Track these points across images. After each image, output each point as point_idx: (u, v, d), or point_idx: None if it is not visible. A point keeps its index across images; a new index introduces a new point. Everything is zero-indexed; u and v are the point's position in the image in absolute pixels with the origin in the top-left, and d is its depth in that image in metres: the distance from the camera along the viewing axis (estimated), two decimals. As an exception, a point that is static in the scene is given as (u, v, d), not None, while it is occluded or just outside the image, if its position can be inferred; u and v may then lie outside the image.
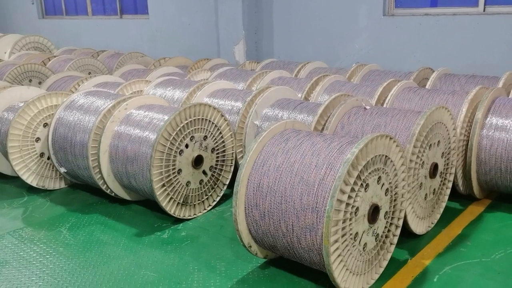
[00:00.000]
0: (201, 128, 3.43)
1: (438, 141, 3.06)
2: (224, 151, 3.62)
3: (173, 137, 3.24)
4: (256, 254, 2.72)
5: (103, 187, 3.58)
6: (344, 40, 6.31)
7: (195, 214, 3.48)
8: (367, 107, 3.36)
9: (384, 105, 3.83)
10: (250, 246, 2.68)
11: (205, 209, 3.55)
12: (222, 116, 3.58)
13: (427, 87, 4.40)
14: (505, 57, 4.84)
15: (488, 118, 3.28)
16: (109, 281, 2.66)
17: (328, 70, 5.35)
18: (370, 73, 5.02)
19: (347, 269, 2.39)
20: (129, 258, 2.90)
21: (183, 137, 3.31)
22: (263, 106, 3.83)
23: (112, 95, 3.94)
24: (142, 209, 3.60)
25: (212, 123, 3.51)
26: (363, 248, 2.49)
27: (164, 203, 3.26)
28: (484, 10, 5.17)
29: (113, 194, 3.61)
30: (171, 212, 3.31)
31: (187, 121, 3.31)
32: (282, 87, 4.07)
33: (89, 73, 6.30)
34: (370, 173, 2.44)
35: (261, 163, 2.64)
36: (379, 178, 2.52)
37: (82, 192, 3.96)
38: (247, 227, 2.65)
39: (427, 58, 5.26)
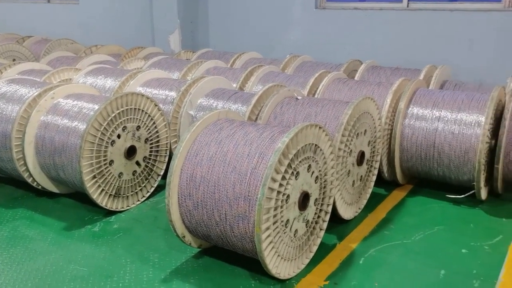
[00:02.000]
0: (134, 118, 3.36)
1: (365, 130, 3.22)
2: (158, 141, 3.58)
3: (104, 127, 3.15)
4: (190, 244, 2.73)
5: (29, 180, 3.41)
6: (278, 31, 6.40)
7: (128, 206, 3.41)
8: (299, 98, 3.45)
9: (316, 96, 3.94)
10: (184, 236, 2.68)
11: (138, 200, 3.49)
12: (156, 106, 3.52)
13: (355, 78, 4.58)
14: (426, 51, 5.14)
15: (410, 108, 3.49)
16: (35, 278, 2.55)
17: (263, 60, 5.41)
18: (303, 64, 5.14)
19: (278, 255, 2.47)
20: (57, 253, 2.80)
21: (115, 128, 3.23)
22: (198, 96, 3.81)
23: (38, 83, 3.74)
24: (72, 202, 3.48)
25: (146, 113, 3.44)
26: (294, 234, 2.57)
27: (95, 195, 3.17)
28: (407, 6, 5.46)
29: (40, 187, 3.45)
30: (103, 204, 3.23)
31: (119, 111, 3.23)
32: (217, 77, 4.07)
33: (14, 60, 5.93)
34: (300, 161, 2.52)
35: (195, 153, 2.64)
36: (309, 166, 2.61)
37: (6, 186, 3.75)
38: (180, 217, 2.65)
39: (357, 50, 5.48)
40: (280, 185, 2.39)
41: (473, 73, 4.69)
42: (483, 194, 3.32)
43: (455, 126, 3.27)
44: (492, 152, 3.26)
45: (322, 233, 2.83)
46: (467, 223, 3.12)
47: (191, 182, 2.59)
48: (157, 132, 3.56)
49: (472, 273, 2.56)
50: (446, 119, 3.32)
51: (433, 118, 3.37)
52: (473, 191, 3.27)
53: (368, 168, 3.37)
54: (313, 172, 2.65)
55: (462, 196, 3.33)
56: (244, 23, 6.67)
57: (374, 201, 3.44)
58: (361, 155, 3.21)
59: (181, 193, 2.61)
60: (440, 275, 2.56)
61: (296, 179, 2.50)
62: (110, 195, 3.27)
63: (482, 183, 3.24)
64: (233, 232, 2.48)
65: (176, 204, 2.62)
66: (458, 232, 3.01)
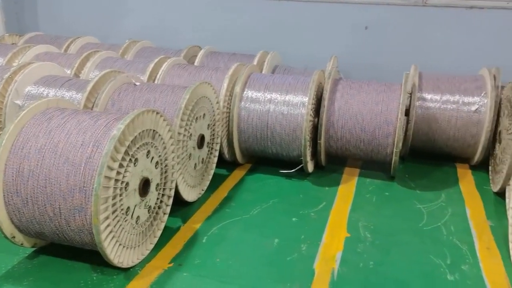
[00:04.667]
0: None
1: (204, 114, 3.33)
2: (-23, 135, 3.19)
3: None
4: (22, 244, 2.53)
5: None
6: (117, 15, 6.15)
7: None
8: (137, 84, 3.41)
9: (156, 81, 3.93)
10: (14, 237, 2.47)
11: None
12: (-28, 95, 3.13)
13: (195, 64, 4.67)
14: (261, 37, 5.47)
15: (245, 92, 3.70)
16: None
17: (100, 46, 5.16)
18: (143, 49, 5.05)
19: (120, 244, 2.44)
20: None
21: None
22: (25, 84, 3.49)
23: None
24: None
25: (-41, 104, 3.04)
26: (136, 221, 2.56)
27: None
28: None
29: None
30: None
31: None
32: (47, 63, 3.76)
33: None
34: (138, 148, 2.51)
35: (21, 146, 2.44)
36: (148, 152, 2.61)
37: None
38: (8, 216, 2.43)
39: (196, 37, 5.57)
40: (118, 173, 2.35)
41: (300, 59, 5.16)
42: (310, 167, 3.72)
43: (284, 107, 3.58)
44: (316, 129, 3.66)
45: (166, 217, 2.87)
46: (297, 194, 3.47)
47: (18, 177, 2.39)
48: (-25, 125, 3.17)
49: (300, 238, 2.87)
50: (277, 101, 3.62)
51: (265, 100, 3.64)
52: (301, 165, 3.64)
53: (209, 151, 3.51)
54: (152, 158, 2.66)
55: (293, 170, 3.69)
56: (79, 4, 6.24)
57: (216, 182, 3.59)
58: (201, 138, 3.31)
59: (7, 190, 2.39)
60: (274, 243, 2.81)
61: (135, 166, 2.49)
62: None
63: (308, 158, 3.62)
64: (70, 226, 2.37)
65: (2, 203, 2.39)
66: (290, 203, 3.33)
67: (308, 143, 3.53)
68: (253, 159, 4.04)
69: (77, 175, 2.34)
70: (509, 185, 3.24)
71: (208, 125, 3.43)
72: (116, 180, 2.35)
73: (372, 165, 3.96)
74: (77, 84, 3.56)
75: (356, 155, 3.73)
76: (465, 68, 4.42)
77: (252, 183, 3.62)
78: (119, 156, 2.36)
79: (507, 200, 3.23)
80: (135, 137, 2.48)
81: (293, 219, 3.11)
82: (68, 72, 4.13)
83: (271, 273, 2.53)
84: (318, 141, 3.62)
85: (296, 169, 3.67)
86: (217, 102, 3.52)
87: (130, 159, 2.44)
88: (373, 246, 2.82)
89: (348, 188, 3.60)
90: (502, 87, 3.86)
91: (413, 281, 2.50)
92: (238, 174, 3.77)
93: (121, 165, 2.37)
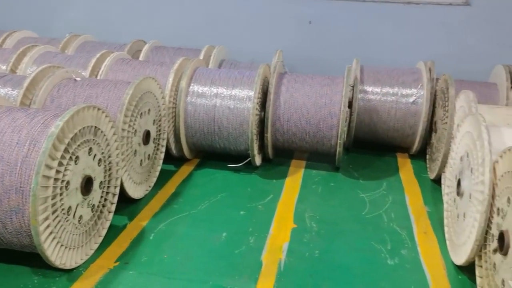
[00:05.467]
0: None
1: (149, 110, 3.27)
2: None
3: None
4: (-45, 249, 2.40)
5: None
6: (57, 8, 5.91)
7: None
8: (78, 79, 3.30)
9: (98, 77, 3.82)
10: None
11: None
12: None
13: (140, 58, 4.58)
14: (208, 32, 5.45)
15: (191, 87, 3.68)
16: None
17: (39, 40, 4.94)
18: (85, 44, 4.89)
19: (62, 245, 2.37)
20: None
21: None
22: (-45, 81, 3.28)
23: None
24: None
25: None
26: (79, 221, 2.49)
27: None
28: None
29: None
30: None
31: None
32: (-21, 58, 3.57)
33: None
34: (79, 145, 2.44)
35: (-50, 146, 2.30)
36: (90, 149, 2.54)
37: None
38: None
39: (141, 31, 5.44)
40: (57, 171, 2.28)
41: (246, 53, 5.18)
42: (257, 160, 3.76)
43: (230, 101, 3.59)
44: (262, 123, 3.70)
45: (111, 215, 2.81)
46: (245, 188, 3.49)
47: None
48: None
49: (248, 231, 2.90)
50: (223, 95, 3.62)
51: (212, 95, 3.63)
52: (249, 159, 3.67)
53: (155, 147, 3.46)
54: (95, 155, 2.60)
55: (241, 164, 3.71)
56: (15, -3, 5.95)
57: (164, 178, 3.55)
58: (147, 134, 3.26)
59: None
60: (222, 237, 2.83)
61: (76, 164, 2.42)
62: None
63: (256, 151, 3.66)
64: (7, 229, 2.27)
65: None
66: (238, 196, 3.35)
67: (255, 137, 3.56)
68: (201, 154, 4.02)
69: (13, 175, 2.24)
70: (444, 172, 3.42)
71: (154, 120, 3.38)
72: (56, 179, 2.27)
73: (318, 156, 4.06)
74: (13, 80, 3.39)
75: (302, 147, 3.80)
76: (403, 61, 4.62)
77: (200, 178, 3.61)
78: (58, 154, 2.28)
79: (442, 186, 3.42)
80: (75, 134, 2.41)
81: (241, 212, 3.13)
82: (4, 68, 3.94)
83: (219, 266, 2.55)
84: (265, 135, 3.66)
85: (244, 163, 3.70)
86: (163, 97, 3.48)
87: (71, 157, 2.37)
88: (318, 235, 2.90)
89: (294, 180, 3.67)
90: (437, 79, 4.06)
91: (356, 267, 2.59)
92: (186, 169, 3.75)
93: (60, 164, 2.30)
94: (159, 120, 3.47)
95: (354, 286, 2.44)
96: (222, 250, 2.70)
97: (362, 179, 3.73)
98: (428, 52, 4.72)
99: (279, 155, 4.04)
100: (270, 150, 3.79)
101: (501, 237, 2.15)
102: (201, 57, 4.40)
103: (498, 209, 2.27)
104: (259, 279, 2.45)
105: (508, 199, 2.17)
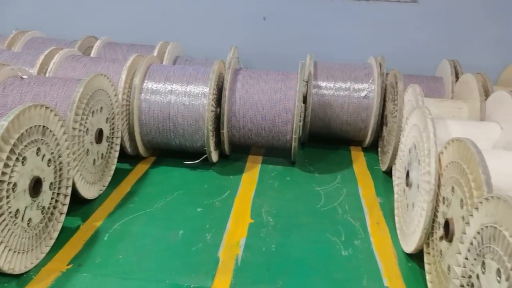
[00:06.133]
0: None
1: (101, 108, 3.20)
2: None
3: None
4: None
5: None
6: (1, 3, 5.64)
7: None
8: (25, 77, 3.18)
9: (47, 75, 3.69)
10: None
11: None
12: None
13: (91, 55, 4.46)
14: (162, 28, 5.36)
15: (145, 84, 3.62)
16: None
17: (-18, 36, 4.72)
18: (32, 40, 4.71)
19: (10, 250, 2.28)
20: None
21: None
22: None
23: None
24: None
25: None
26: (28, 224, 2.41)
27: None
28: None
29: None
30: None
31: None
32: None
33: None
34: (26, 145, 2.36)
35: None
36: (39, 149, 2.46)
37: None
38: None
39: (93, 27, 5.29)
40: (3, 173, 2.20)
41: (202, 49, 5.15)
42: (214, 157, 3.76)
43: (185, 98, 3.56)
44: (218, 119, 3.70)
45: (63, 217, 2.74)
46: (202, 184, 3.48)
47: None
48: None
49: (205, 228, 2.90)
50: (178, 92, 3.58)
51: (166, 91, 3.59)
52: (205, 156, 3.66)
53: (109, 145, 3.39)
54: (44, 156, 2.52)
55: (197, 161, 3.69)
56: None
57: (119, 177, 3.48)
58: (100, 132, 3.19)
59: None
60: (179, 235, 2.81)
61: (24, 165, 2.34)
62: None
63: (212, 147, 3.65)
64: (-51, 235, 2.17)
65: None
66: (195, 193, 3.34)
67: (211, 133, 3.55)
68: (156, 151, 3.98)
69: (-45, 179, 2.14)
70: (394, 164, 3.54)
71: (107, 118, 3.30)
72: (1, 182, 2.19)
73: (274, 151, 4.10)
74: (-46, 79, 3.23)
75: (258, 143, 3.83)
76: (354, 57, 4.73)
77: (156, 176, 3.57)
78: (4, 156, 2.20)
79: (393, 177, 3.54)
80: (22, 134, 2.33)
81: (198, 209, 3.12)
82: None
83: (175, 264, 2.53)
84: (221, 131, 3.66)
85: (201, 159, 3.69)
86: (116, 95, 3.41)
87: (17, 158, 2.29)
88: (275, 230, 2.93)
89: (251, 175, 3.69)
90: (387, 74, 4.19)
91: (312, 259, 2.65)
92: (141, 168, 3.69)
93: (6, 165, 2.22)
94: (112, 118, 3.40)
95: (310, 278, 2.49)
96: (179, 248, 2.69)
97: (317, 173, 3.80)
98: (378, 47, 4.86)
99: (235, 151, 4.05)
100: (226, 146, 3.79)
101: (446, 224, 2.25)
102: (155, 53, 4.34)
103: (443, 198, 2.37)
104: (216, 275, 2.46)
105: (452, 188, 2.28)
